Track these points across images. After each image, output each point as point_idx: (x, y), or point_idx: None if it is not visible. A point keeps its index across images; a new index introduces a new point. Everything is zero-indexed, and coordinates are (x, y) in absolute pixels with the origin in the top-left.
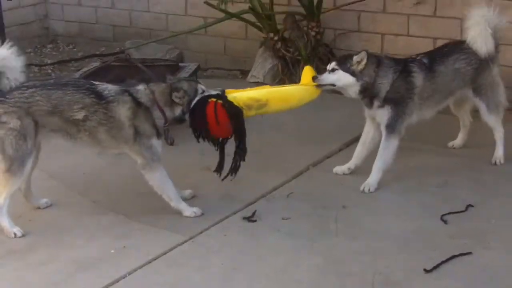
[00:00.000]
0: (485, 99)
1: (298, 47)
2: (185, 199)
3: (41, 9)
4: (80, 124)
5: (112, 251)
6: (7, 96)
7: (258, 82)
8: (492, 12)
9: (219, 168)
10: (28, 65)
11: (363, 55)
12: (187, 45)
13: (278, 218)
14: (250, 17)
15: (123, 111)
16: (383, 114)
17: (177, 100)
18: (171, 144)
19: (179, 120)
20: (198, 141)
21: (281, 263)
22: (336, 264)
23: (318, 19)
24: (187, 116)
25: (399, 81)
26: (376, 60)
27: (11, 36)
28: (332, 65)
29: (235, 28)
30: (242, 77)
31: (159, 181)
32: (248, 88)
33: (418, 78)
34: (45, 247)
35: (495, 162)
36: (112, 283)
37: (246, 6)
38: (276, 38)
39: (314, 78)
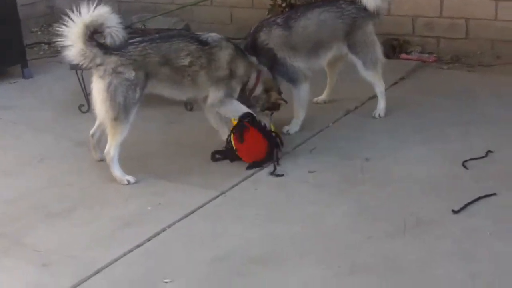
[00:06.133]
0: (361, 56)
1: None
2: None
3: None
4: (185, 70)
5: (149, 207)
6: (123, 50)
7: None
8: None
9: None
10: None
11: None
12: (193, 16)
13: (304, 171)
14: None
15: (224, 54)
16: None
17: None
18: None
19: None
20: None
21: (314, 210)
22: (368, 210)
23: None
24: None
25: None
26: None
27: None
28: None
29: None
30: None
31: (232, 109)
32: None
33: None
34: (85, 207)
35: (377, 115)
36: (155, 235)
37: None
38: (284, 4)
39: None
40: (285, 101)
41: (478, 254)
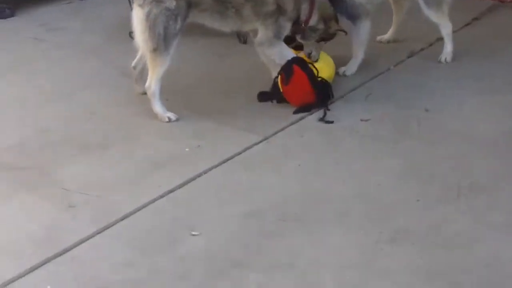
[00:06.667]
0: None
1: None
2: None
3: None
4: (229, 1)
5: (187, 149)
6: None
7: None
8: None
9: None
10: None
11: None
12: None
13: (356, 119)
14: None
15: None
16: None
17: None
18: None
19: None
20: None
21: (359, 166)
22: (418, 168)
23: None
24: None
25: None
26: None
27: None
28: None
29: None
30: None
31: (279, 52)
32: None
33: None
34: (120, 144)
35: (443, 60)
36: (188, 181)
37: None
38: None
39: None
40: (345, 32)
41: None
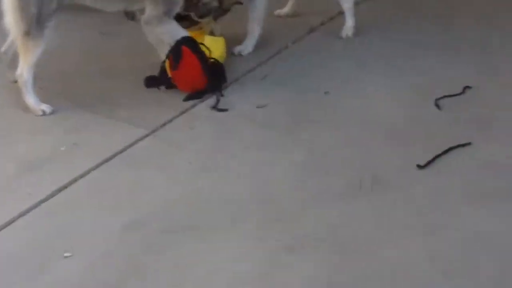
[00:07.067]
0: None
1: None
2: None
3: None
4: None
5: (62, 148)
6: None
7: None
8: None
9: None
10: None
11: None
12: None
13: (252, 106)
14: None
15: None
16: None
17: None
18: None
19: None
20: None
21: (256, 159)
22: (319, 160)
23: None
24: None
25: None
26: None
27: None
28: None
29: None
30: None
31: (169, 31)
32: None
33: None
34: None
35: (344, 35)
36: (62, 189)
37: None
38: None
39: None
40: (241, 3)
41: (443, 227)
